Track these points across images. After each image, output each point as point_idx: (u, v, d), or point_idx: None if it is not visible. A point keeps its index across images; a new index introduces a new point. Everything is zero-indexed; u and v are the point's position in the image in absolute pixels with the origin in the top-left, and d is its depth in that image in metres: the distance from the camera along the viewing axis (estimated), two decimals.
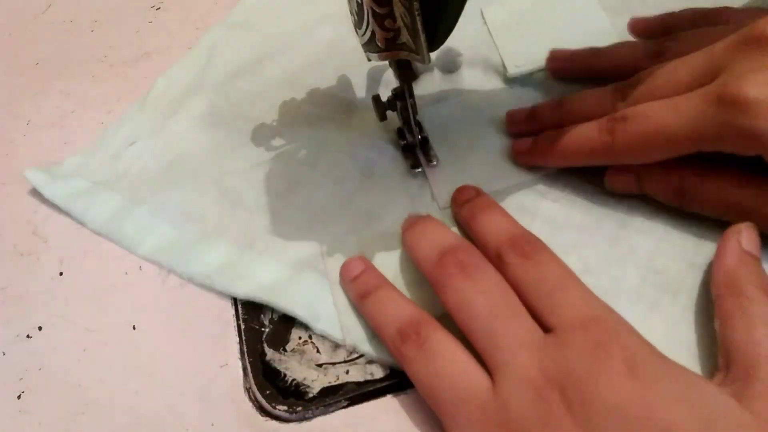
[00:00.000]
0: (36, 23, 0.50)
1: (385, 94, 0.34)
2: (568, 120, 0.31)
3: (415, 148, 0.35)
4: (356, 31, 0.28)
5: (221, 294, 0.32)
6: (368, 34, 0.27)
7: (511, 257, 0.27)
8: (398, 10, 0.25)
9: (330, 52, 0.41)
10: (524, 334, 0.25)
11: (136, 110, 0.41)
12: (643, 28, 0.35)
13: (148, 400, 0.30)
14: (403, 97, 0.32)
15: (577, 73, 0.35)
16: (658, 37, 0.33)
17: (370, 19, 0.26)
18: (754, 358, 0.23)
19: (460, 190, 0.32)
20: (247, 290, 0.32)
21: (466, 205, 0.31)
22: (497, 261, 0.27)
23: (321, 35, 0.42)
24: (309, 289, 0.31)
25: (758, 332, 0.23)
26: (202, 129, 0.39)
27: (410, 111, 0.33)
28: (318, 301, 0.31)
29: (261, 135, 0.37)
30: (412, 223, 0.31)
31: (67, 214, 0.37)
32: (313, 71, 0.40)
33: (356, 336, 0.29)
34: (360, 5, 0.26)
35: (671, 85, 0.28)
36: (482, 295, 0.26)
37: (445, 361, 0.25)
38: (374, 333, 0.29)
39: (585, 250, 0.30)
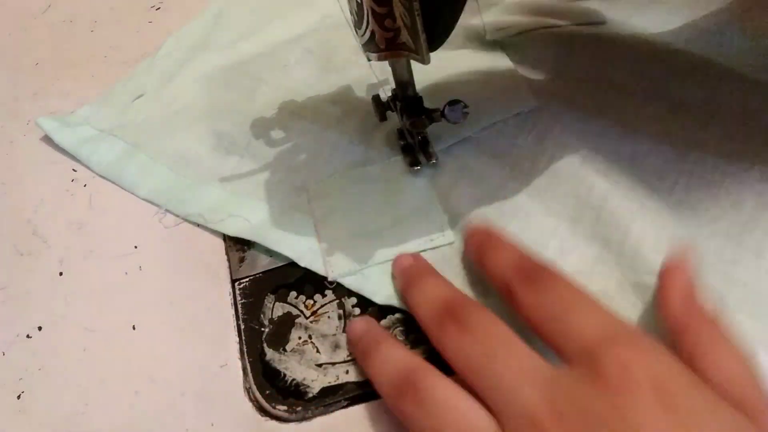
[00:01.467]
0: (36, 23, 0.50)
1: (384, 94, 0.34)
2: None
3: (414, 148, 0.35)
4: (356, 31, 0.28)
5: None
6: (368, 34, 0.27)
7: (518, 286, 0.26)
8: (398, 10, 0.25)
9: (328, 20, 0.44)
10: (526, 369, 0.22)
11: (144, 67, 0.44)
12: None
13: (148, 400, 0.30)
14: (403, 98, 0.32)
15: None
16: None
17: (370, 19, 0.26)
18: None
19: (471, 234, 0.30)
20: (236, 229, 0.34)
21: (476, 246, 0.30)
22: (507, 295, 0.26)
23: (322, 4, 0.44)
24: (294, 229, 0.33)
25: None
26: (203, 86, 0.42)
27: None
28: (303, 239, 0.33)
29: (259, 127, 0.38)
30: (412, 281, 0.29)
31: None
32: (313, 36, 0.43)
33: (339, 271, 0.31)
34: (360, 5, 0.26)
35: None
36: (479, 344, 0.24)
37: (447, 413, 0.23)
38: (355, 268, 0.31)
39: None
